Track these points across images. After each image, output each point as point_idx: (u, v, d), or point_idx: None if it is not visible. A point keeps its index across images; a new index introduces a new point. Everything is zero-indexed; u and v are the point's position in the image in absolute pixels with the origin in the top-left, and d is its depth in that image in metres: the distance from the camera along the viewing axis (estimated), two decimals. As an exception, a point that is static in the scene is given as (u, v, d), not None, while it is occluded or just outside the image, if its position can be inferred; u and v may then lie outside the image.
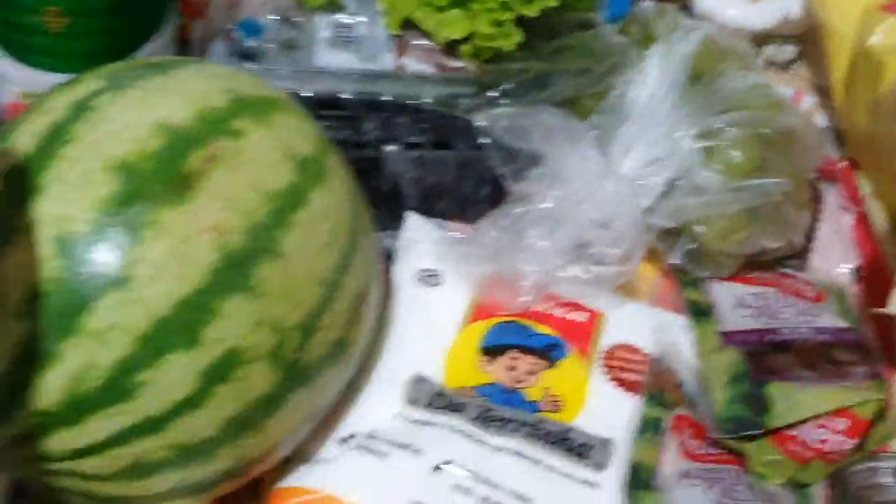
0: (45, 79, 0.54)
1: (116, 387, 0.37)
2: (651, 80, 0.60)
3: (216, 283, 0.38)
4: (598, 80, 0.54)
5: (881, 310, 0.54)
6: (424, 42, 0.62)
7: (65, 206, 0.38)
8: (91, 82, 0.42)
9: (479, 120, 0.53)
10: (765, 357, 0.55)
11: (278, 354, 0.39)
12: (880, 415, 0.52)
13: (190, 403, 0.38)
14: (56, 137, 0.39)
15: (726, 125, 0.59)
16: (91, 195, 0.38)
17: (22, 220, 0.37)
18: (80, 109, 0.40)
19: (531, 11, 0.58)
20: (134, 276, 0.37)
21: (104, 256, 0.37)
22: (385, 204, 0.63)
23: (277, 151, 0.41)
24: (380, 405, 0.51)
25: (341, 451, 0.48)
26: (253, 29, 0.63)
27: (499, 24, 0.59)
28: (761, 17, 0.86)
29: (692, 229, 0.59)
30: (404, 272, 0.58)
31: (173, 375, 0.37)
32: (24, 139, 0.40)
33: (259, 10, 0.64)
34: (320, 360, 0.42)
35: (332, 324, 0.42)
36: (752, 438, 0.52)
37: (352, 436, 0.49)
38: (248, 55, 0.60)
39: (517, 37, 0.59)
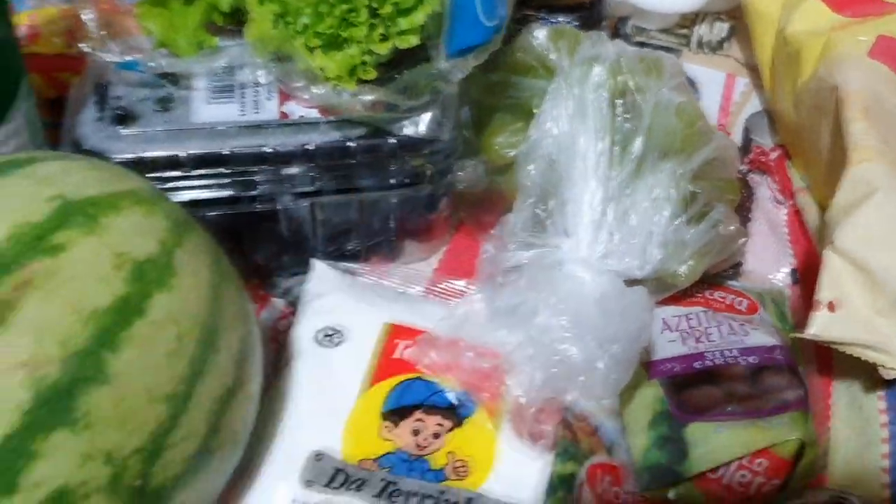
0: None
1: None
2: (563, 125, 0.57)
3: (32, 424, 0.34)
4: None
5: (800, 333, 0.50)
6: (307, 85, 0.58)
7: None
8: None
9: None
10: (688, 391, 0.53)
11: (117, 485, 0.36)
12: (801, 451, 0.48)
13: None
14: None
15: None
16: None
17: None
18: None
19: (382, 49, 0.55)
20: None
21: None
22: (290, 250, 0.61)
23: (106, 262, 0.38)
24: (273, 493, 0.48)
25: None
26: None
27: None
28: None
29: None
30: (304, 334, 0.55)
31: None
32: None
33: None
34: (175, 479, 0.39)
35: (186, 437, 0.39)
36: (674, 483, 0.50)
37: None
38: (121, 118, 0.56)
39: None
